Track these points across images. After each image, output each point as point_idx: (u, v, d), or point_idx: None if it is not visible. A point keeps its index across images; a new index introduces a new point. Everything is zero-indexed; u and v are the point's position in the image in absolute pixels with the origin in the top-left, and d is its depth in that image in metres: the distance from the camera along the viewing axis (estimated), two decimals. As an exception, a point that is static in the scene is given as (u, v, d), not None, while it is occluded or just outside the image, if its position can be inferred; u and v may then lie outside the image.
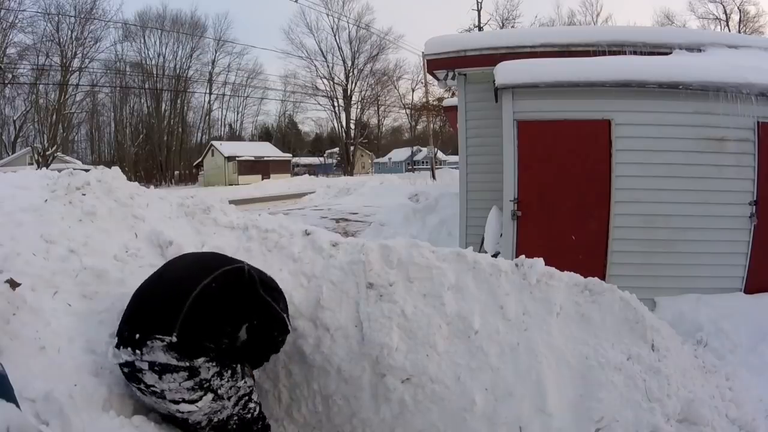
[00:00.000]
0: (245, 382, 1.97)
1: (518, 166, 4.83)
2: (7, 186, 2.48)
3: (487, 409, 2.19)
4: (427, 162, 35.56)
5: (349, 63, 49.68)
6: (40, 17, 32.93)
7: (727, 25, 35.89)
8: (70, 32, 35.50)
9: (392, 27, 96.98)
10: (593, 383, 2.28)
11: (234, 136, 50.51)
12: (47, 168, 4.53)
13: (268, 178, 35.00)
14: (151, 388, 1.76)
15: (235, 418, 1.94)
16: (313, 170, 48.40)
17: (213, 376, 1.80)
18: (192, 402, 1.78)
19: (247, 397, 1.98)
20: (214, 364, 1.80)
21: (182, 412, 1.80)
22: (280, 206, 18.67)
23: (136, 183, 2.91)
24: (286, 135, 55.04)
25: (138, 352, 1.72)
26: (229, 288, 1.90)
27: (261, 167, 38.05)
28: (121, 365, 1.79)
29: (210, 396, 1.81)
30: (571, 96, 4.70)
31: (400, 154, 55.77)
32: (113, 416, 1.79)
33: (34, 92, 32.08)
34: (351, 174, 45.11)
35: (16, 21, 32.23)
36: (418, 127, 51.26)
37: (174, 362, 1.71)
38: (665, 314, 3.93)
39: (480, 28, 28.01)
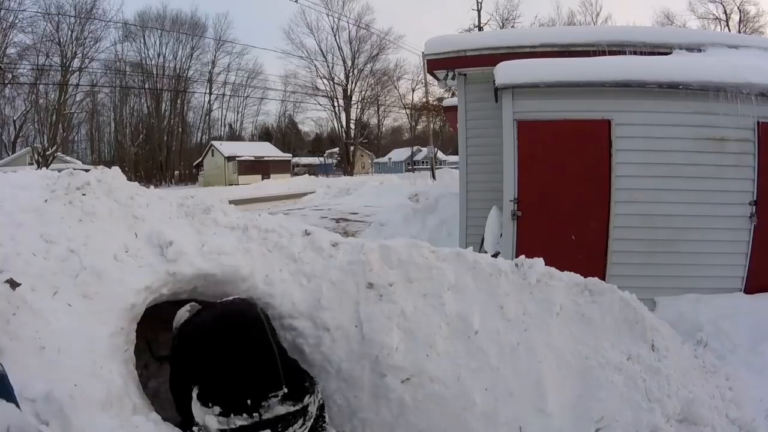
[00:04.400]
0: (320, 399, 2.04)
1: (518, 166, 4.83)
2: (7, 186, 2.47)
3: (487, 409, 2.19)
4: (427, 162, 35.52)
5: (349, 63, 49.75)
6: (40, 17, 32.97)
7: (727, 25, 35.90)
8: (70, 32, 35.54)
9: (392, 27, 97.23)
10: (593, 383, 2.28)
11: (234, 136, 50.51)
12: (47, 168, 4.53)
13: (268, 178, 34.99)
14: None
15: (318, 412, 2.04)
16: (313, 170, 48.36)
17: (317, 408, 1.92)
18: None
19: (321, 402, 2.05)
20: (315, 397, 1.92)
21: None
22: (280, 206, 18.67)
23: (136, 183, 2.90)
24: (286, 135, 55.03)
25: (256, 414, 1.76)
26: (267, 318, 2.04)
27: (261, 167, 38.04)
28: None
29: (309, 423, 1.90)
30: (571, 96, 4.70)
31: (400, 154, 55.77)
32: (113, 416, 1.79)
33: (34, 92, 32.10)
34: (351, 174, 45.11)
35: (16, 21, 32.30)
36: (418, 127, 51.39)
37: (293, 409, 1.80)
38: (665, 314, 3.92)
39: (480, 28, 28.02)
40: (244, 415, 1.76)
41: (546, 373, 2.26)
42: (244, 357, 1.86)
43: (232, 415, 1.77)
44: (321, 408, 2.02)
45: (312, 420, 1.90)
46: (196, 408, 1.82)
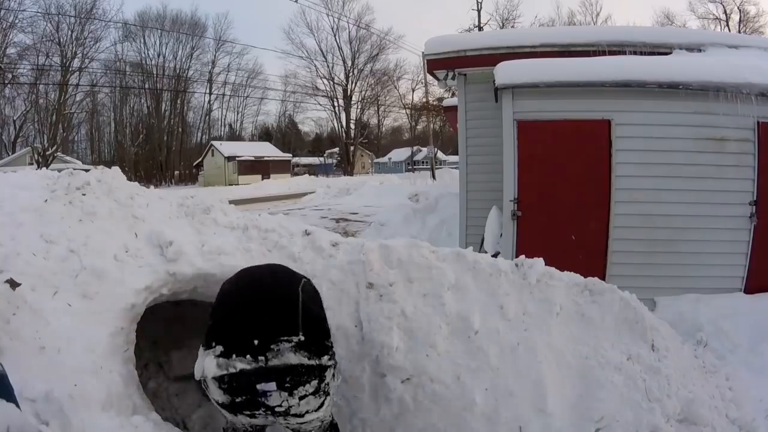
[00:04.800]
0: (335, 382, 1.83)
1: (518, 166, 4.83)
2: (7, 186, 2.47)
3: (487, 409, 2.19)
4: (427, 162, 35.52)
5: (349, 63, 49.77)
6: (40, 17, 32.95)
7: (727, 25, 35.89)
8: (70, 32, 35.53)
9: (392, 27, 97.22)
10: (593, 383, 2.28)
11: (234, 136, 50.51)
12: (47, 168, 4.53)
13: (268, 178, 34.99)
14: (275, 408, 1.58)
15: (331, 419, 1.86)
16: (313, 170, 48.36)
17: (332, 378, 1.70)
18: (316, 410, 1.66)
19: (333, 399, 1.87)
20: (333, 365, 1.69)
21: (303, 423, 1.67)
22: (280, 206, 18.67)
23: (136, 183, 2.91)
24: (286, 135, 55.03)
25: (262, 358, 1.53)
26: (313, 291, 1.87)
27: (261, 167, 38.05)
28: (233, 389, 1.57)
29: (329, 400, 1.71)
30: (571, 96, 4.70)
31: (400, 154, 55.77)
32: (113, 416, 1.79)
33: (34, 92, 32.09)
34: (351, 174, 45.11)
35: (16, 21, 32.29)
36: (418, 127, 51.38)
37: (306, 361, 1.57)
38: (665, 314, 3.92)
39: (480, 28, 28.01)
40: (248, 356, 1.52)
41: (546, 373, 2.26)
42: (262, 302, 1.68)
43: (234, 356, 1.54)
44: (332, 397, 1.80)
45: (325, 395, 1.66)
46: (200, 355, 1.62)
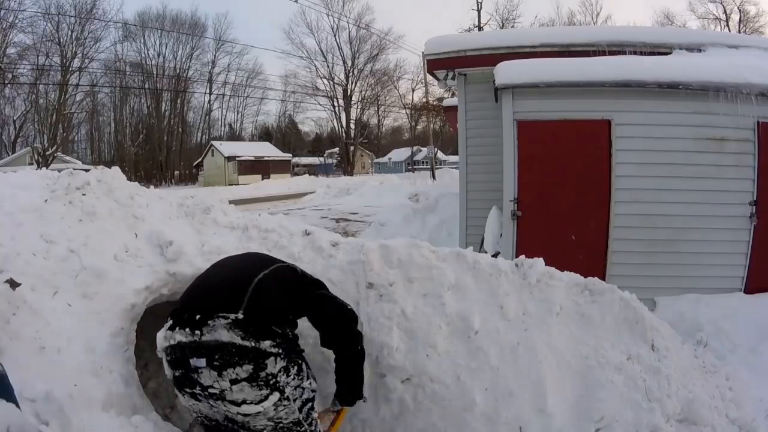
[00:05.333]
0: (310, 384, 1.77)
1: (518, 166, 4.83)
2: (7, 186, 2.47)
3: (487, 409, 2.19)
4: (427, 162, 35.52)
5: (349, 63, 49.77)
6: (40, 17, 32.97)
7: (727, 25, 35.90)
8: (70, 32, 35.55)
9: (392, 27, 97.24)
10: (593, 383, 2.28)
11: (234, 136, 50.53)
12: (47, 168, 4.53)
13: (268, 178, 34.99)
14: (209, 390, 1.56)
15: (300, 428, 1.73)
16: (313, 170, 48.38)
17: (280, 371, 1.60)
18: (257, 402, 1.58)
19: (310, 404, 1.78)
20: (282, 355, 1.60)
21: (245, 415, 1.60)
22: (280, 206, 18.67)
23: (136, 183, 2.91)
24: (286, 135, 55.04)
25: (197, 332, 1.54)
26: (287, 280, 1.86)
27: (261, 167, 38.05)
28: (173, 361, 1.61)
29: (276, 396, 1.61)
30: (571, 96, 4.70)
31: (400, 154, 55.78)
32: (113, 416, 1.79)
33: (34, 92, 32.07)
34: (351, 174, 45.10)
35: (16, 21, 32.28)
36: (418, 127, 51.38)
37: (238, 341, 1.53)
38: (665, 314, 3.92)
39: (480, 28, 28.01)
40: (187, 329, 1.55)
41: (546, 373, 2.26)
42: (218, 282, 1.77)
43: (177, 329, 1.59)
44: (308, 402, 1.75)
45: (270, 389, 1.57)
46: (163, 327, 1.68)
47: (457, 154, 7.57)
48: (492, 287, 2.49)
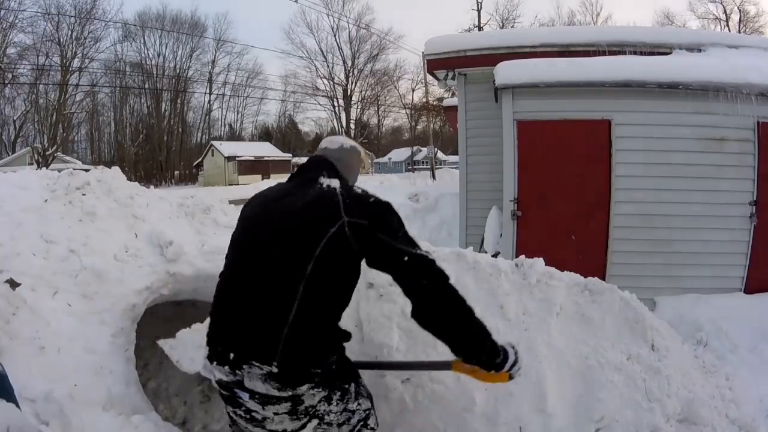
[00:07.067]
0: (359, 405, 1.71)
1: (518, 166, 4.84)
2: (7, 186, 2.47)
3: (487, 409, 2.19)
4: (427, 162, 35.49)
5: (349, 63, 49.88)
6: (40, 17, 32.97)
7: (727, 25, 35.90)
8: (70, 32, 35.56)
9: (392, 27, 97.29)
10: (593, 383, 2.28)
11: (234, 136, 50.51)
12: (47, 168, 4.53)
13: (268, 178, 34.90)
14: (252, 414, 1.56)
15: None
16: (313, 170, 48.19)
17: (320, 401, 1.58)
18: (297, 430, 1.58)
19: (362, 423, 1.73)
20: (320, 389, 1.57)
21: None
22: (280, 206, 18.59)
23: (136, 183, 2.91)
24: (286, 135, 55.00)
25: (239, 372, 1.51)
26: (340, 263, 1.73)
27: (261, 167, 38.05)
28: (218, 383, 1.59)
29: (315, 422, 1.60)
30: (571, 96, 4.71)
31: (400, 154, 55.72)
32: (113, 416, 1.79)
33: (34, 92, 32.07)
34: (351, 174, 44.96)
35: (16, 21, 32.29)
36: (418, 127, 51.36)
37: (275, 393, 1.50)
38: (665, 314, 3.92)
39: (480, 28, 28.02)
40: (226, 368, 1.53)
41: (546, 373, 2.26)
42: (246, 309, 1.58)
43: (215, 363, 1.55)
44: (359, 422, 1.70)
45: (309, 418, 1.58)
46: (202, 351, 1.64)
47: (457, 154, 7.57)
48: (492, 287, 2.49)
